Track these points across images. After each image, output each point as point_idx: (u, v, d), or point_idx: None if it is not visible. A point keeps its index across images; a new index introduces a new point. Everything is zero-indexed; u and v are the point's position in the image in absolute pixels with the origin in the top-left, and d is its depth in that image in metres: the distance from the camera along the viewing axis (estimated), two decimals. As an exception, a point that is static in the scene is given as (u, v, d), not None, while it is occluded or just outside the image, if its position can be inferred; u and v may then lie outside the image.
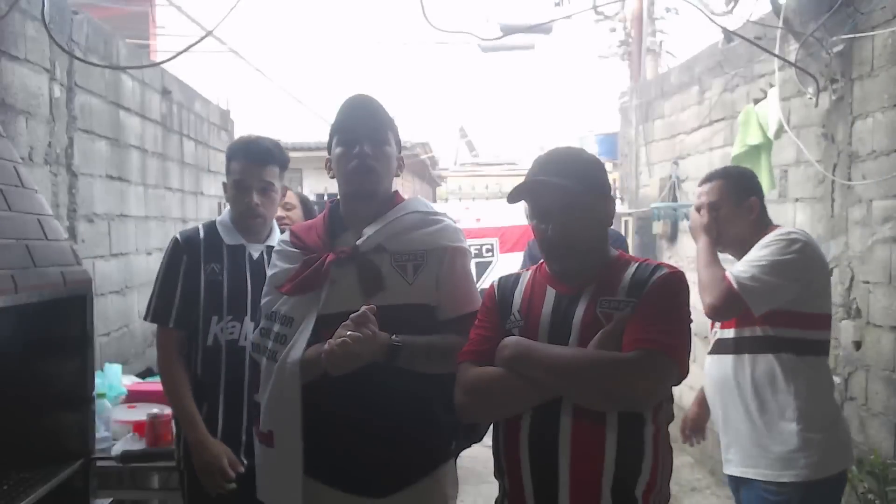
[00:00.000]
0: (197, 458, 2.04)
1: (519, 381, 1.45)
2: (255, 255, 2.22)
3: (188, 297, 2.13)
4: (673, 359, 1.39)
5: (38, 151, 2.89)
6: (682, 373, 1.43)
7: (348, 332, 1.49)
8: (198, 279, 2.14)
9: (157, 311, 2.16)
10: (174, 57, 3.58)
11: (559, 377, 1.41)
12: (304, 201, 3.09)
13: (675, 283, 1.48)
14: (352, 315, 1.52)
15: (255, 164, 2.19)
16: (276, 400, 1.66)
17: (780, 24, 3.50)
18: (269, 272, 1.83)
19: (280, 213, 2.96)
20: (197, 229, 2.25)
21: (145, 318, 2.21)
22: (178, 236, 2.21)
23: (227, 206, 2.29)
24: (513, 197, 1.56)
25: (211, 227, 2.24)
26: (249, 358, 2.06)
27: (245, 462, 2.06)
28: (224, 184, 2.29)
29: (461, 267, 1.74)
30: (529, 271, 1.63)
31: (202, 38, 3.26)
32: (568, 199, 1.47)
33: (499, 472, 1.55)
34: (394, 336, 1.57)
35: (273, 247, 2.23)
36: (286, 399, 1.63)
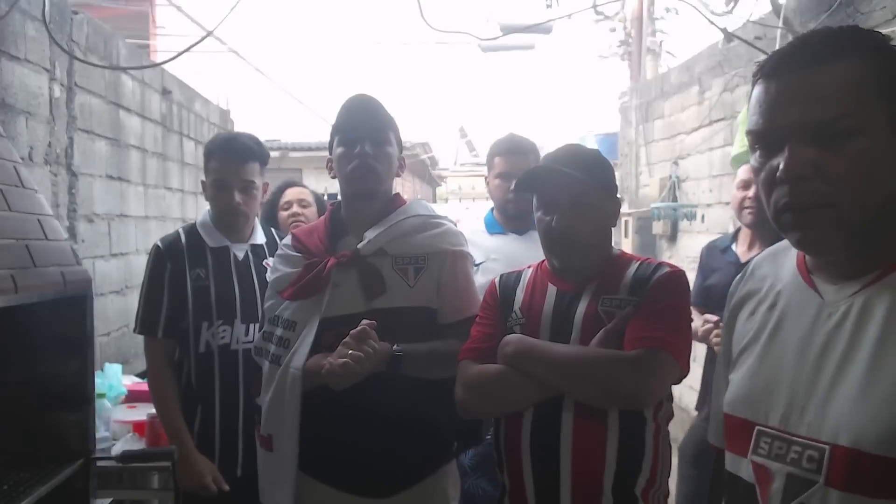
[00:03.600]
0: (181, 472, 2.04)
1: (521, 378, 1.45)
2: (240, 255, 2.18)
3: (175, 305, 2.09)
4: (674, 357, 1.40)
5: (38, 151, 2.89)
6: (683, 371, 1.43)
7: (350, 352, 1.49)
8: (184, 286, 2.09)
9: (144, 322, 2.12)
10: (175, 57, 3.58)
11: (561, 375, 1.42)
12: (318, 199, 3.05)
13: (677, 281, 1.48)
14: (352, 332, 1.52)
15: (236, 162, 2.14)
16: (277, 404, 1.66)
17: (780, 24, 3.51)
18: (271, 276, 1.83)
19: (296, 209, 2.95)
20: (178, 234, 2.18)
21: (135, 331, 2.16)
22: (159, 244, 2.14)
23: (207, 207, 2.25)
24: (521, 184, 1.55)
25: (192, 231, 2.19)
26: (244, 361, 2.06)
27: (240, 470, 2.07)
28: (203, 182, 2.24)
29: (462, 271, 1.75)
30: (531, 269, 1.63)
31: (202, 39, 3.27)
32: (576, 190, 1.46)
33: (499, 469, 1.56)
34: (395, 346, 1.57)
35: (257, 246, 2.23)
36: (287, 404, 1.63)
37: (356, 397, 1.56)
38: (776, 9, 3.56)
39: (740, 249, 2.69)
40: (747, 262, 1.14)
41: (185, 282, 2.10)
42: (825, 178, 0.86)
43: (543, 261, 1.60)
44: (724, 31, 3.96)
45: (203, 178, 2.26)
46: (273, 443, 1.68)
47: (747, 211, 2.62)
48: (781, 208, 0.90)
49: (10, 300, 1.74)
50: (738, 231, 2.79)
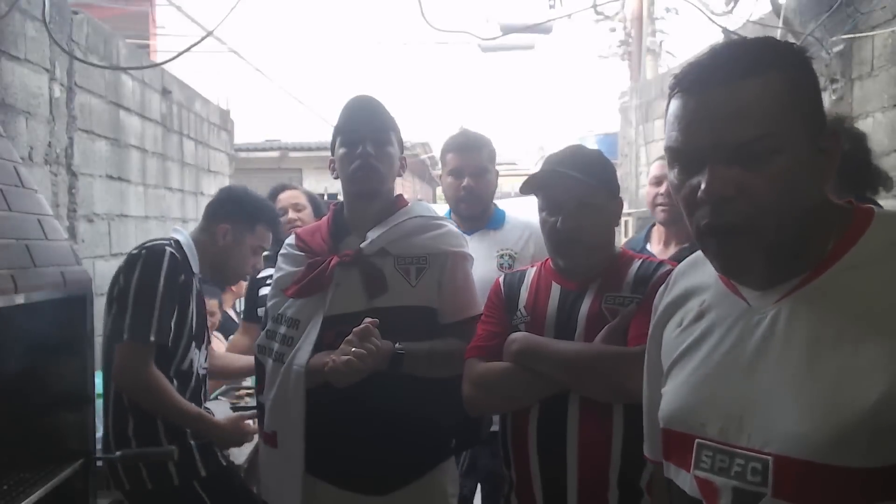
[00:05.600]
0: (226, 440, 2.06)
1: (527, 374, 1.47)
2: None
3: (181, 317, 1.97)
4: None
5: (38, 151, 2.89)
6: None
7: (353, 349, 1.50)
8: (191, 302, 2.00)
9: (161, 330, 1.90)
10: (175, 57, 3.59)
11: (566, 371, 1.44)
12: (312, 200, 3.03)
13: None
14: (355, 329, 1.54)
15: None
16: (281, 401, 1.67)
17: (780, 24, 3.51)
18: (274, 275, 1.84)
19: (291, 215, 2.92)
20: (171, 250, 1.99)
21: (146, 341, 1.88)
22: (174, 252, 1.97)
23: (187, 230, 2.16)
24: (526, 187, 1.56)
25: (181, 250, 2.04)
26: (201, 383, 2.09)
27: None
28: (234, 232, 2.14)
29: (462, 272, 1.77)
30: (534, 267, 1.65)
31: (202, 39, 3.27)
32: (581, 191, 1.48)
33: (506, 464, 1.57)
34: (397, 344, 1.58)
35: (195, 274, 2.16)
36: (291, 400, 1.65)
37: (357, 395, 1.57)
38: (776, 9, 3.57)
39: (656, 248, 2.59)
40: (670, 272, 1.13)
41: (192, 297, 2.01)
42: (747, 198, 0.84)
43: (547, 260, 1.62)
44: (724, 30, 3.96)
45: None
46: (278, 440, 1.69)
47: (660, 208, 2.54)
48: (704, 230, 0.88)
49: (10, 300, 1.74)
50: (650, 230, 2.69)
